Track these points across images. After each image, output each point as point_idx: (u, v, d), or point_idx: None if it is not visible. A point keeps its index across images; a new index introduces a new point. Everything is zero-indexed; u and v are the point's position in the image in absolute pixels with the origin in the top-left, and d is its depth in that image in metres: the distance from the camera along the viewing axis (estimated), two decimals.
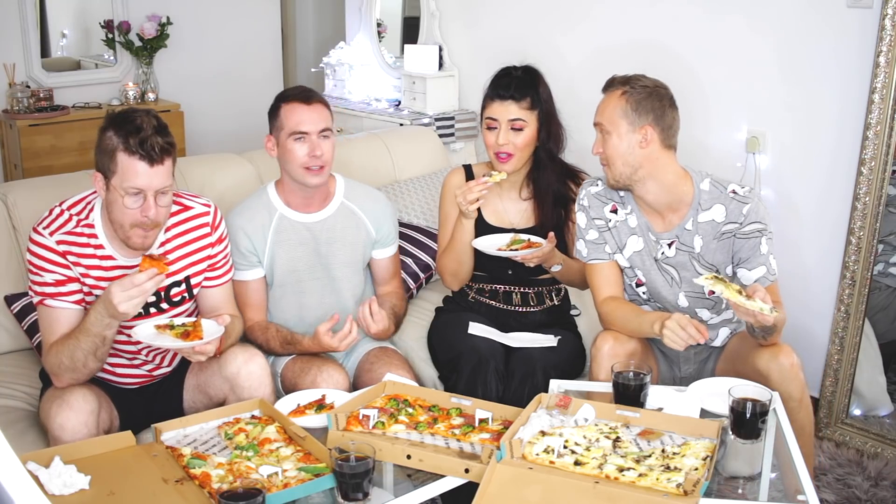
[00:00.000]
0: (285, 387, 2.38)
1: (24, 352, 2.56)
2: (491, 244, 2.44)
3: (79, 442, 1.89)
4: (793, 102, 3.06)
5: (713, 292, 2.24)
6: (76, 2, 5.00)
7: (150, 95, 4.72)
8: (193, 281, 2.22)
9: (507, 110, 2.45)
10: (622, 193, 2.29)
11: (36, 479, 1.66)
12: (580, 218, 2.36)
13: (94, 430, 1.99)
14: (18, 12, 4.43)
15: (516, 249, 2.41)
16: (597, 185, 2.35)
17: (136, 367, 2.23)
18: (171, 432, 1.92)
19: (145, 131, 1.97)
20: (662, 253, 2.27)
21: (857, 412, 2.96)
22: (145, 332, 2.06)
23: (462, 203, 2.40)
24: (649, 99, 2.17)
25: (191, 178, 2.87)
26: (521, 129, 2.45)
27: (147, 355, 2.21)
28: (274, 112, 2.41)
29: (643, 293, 2.36)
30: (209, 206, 2.25)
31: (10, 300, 2.54)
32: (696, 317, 2.30)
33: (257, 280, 2.46)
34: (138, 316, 2.14)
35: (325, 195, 2.49)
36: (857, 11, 2.82)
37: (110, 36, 4.72)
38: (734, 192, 2.22)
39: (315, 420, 2.02)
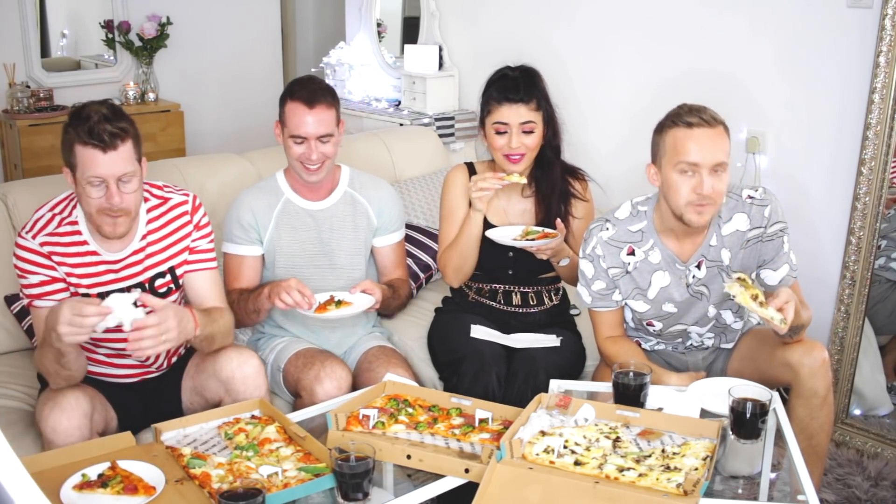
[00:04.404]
0: (288, 384, 2.38)
1: (24, 352, 2.56)
2: (505, 234, 2.43)
3: (79, 444, 1.88)
4: (793, 102, 3.06)
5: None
6: (76, 2, 4.99)
7: (150, 95, 4.72)
8: (178, 271, 2.22)
9: (518, 113, 2.40)
10: (638, 229, 2.22)
11: None
12: (587, 267, 2.26)
13: (88, 432, 1.98)
14: (18, 12, 4.43)
15: (532, 239, 2.39)
16: (605, 228, 2.24)
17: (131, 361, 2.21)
18: (171, 432, 1.92)
19: (92, 119, 2.00)
20: (693, 276, 2.22)
21: (856, 412, 2.96)
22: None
23: (472, 188, 2.39)
24: None
25: (191, 178, 2.87)
26: (531, 132, 2.42)
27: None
28: (281, 104, 2.43)
29: (653, 330, 2.34)
30: (187, 195, 2.25)
31: (10, 300, 2.54)
32: (721, 320, 2.30)
33: (253, 257, 2.47)
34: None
35: (330, 184, 2.52)
36: (857, 11, 2.82)
37: (110, 36, 4.72)
38: (750, 196, 2.18)
39: (339, 313, 2.31)
